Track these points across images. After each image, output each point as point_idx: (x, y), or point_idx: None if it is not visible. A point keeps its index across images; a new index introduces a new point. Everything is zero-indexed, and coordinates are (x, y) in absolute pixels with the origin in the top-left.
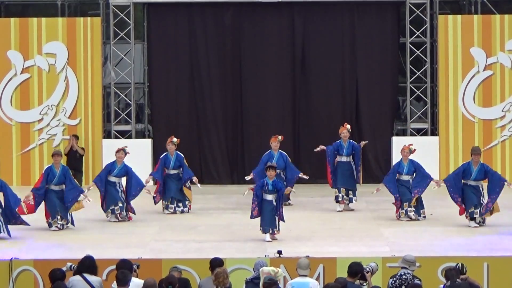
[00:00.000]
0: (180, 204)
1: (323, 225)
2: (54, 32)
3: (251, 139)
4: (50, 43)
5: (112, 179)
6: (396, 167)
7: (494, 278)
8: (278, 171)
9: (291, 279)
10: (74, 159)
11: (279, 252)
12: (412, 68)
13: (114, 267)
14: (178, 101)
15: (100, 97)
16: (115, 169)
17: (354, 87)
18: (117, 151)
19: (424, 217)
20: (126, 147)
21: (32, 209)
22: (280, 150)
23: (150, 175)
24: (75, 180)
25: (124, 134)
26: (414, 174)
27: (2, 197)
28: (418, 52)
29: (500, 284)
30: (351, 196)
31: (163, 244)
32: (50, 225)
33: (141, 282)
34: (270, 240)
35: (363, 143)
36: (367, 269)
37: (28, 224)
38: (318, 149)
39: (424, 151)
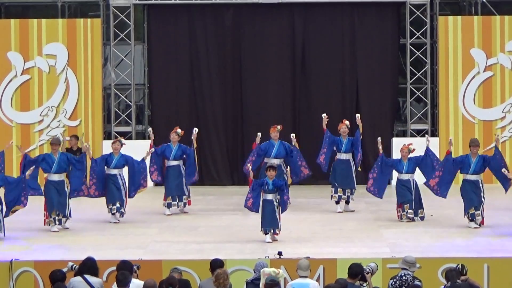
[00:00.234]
0: (181, 198)
1: (323, 226)
2: (54, 33)
3: (251, 140)
4: (50, 44)
5: (112, 171)
6: (395, 163)
7: (495, 279)
8: (279, 161)
9: (291, 280)
10: None
11: (279, 253)
12: (412, 69)
13: (114, 268)
14: (178, 102)
15: (100, 98)
16: (112, 160)
17: (354, 88)
18: (113, 142)
19: (422, 217)
20: (122, 137)
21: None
22: (280, 140)
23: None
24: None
25: (124, 135)
26: (417, 168)
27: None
28: (418, 53)
29: (500, 285)
30: (348, 194)
31: (163, 245)
32: (54, 221)
33: (141, 283)
34: (271, 241)
35: (359, 120)
36: (367, 270)
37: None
38: (325, 119)
39: (423, 151)
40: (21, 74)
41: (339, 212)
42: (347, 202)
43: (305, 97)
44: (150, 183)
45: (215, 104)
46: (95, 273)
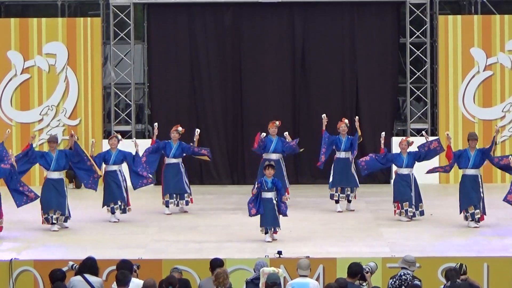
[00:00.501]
0: (183, 196)
1: (323, 226)
2: (54, 33)
3: (251, 139)
4: (50, 43)
5: (112, 167)
6: (395, 157)
7: (494, 278)
8: (277, 156)
9: (291, 280)
10: None
11: (279, 253)
12: (412, 68)
13: (114, 267)
14: (178, 101)
15: (100, 97)
16: (111, 156)
17: (354, 87)
18: (110, 139)
19: (422, 212)
20: (119, 133)
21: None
22: (278, 136)
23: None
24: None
25: (124, 135)
26: (415, 163)
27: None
28: (418, 52)
29: (500, 285)
30: (348, 193)
31: (163, 244)
32: (47, 220)
33: (141, 282)
34: (270, 240)
35: (357, 123)
36: (367, 269)
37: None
38: (324, 120)
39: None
40: (21, 73)
41: (339, 212)
42: (349, 201)
43: (305, 97)
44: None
45: (215, 103)
46: (95, 273)
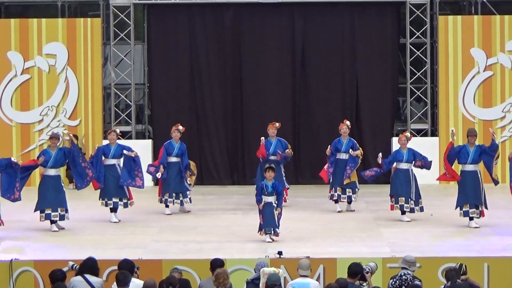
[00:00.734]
0: (180, 195)
1: (323, 226)
2: (54, 33)
3: (251, 140)
4: (50, 44)
5: (111, 161)
6: (394, 155)
7: (494, 278)
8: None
9: (292, 280)
10: None
11: (280, 253)
12: (412, 68)
13: (114, 267)
14: (178, 101)
15: (100, 98)
16: (110, 150)
17: (354, 88)
18: (108, 133)
19: (421, 208)
20: (117, 129)
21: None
22: (277, 137)
23: (161, 164)
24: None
25: (124, 135)
26: (414, 162)
27: None
28: (418, 52)
29: (500, 285)
30: (350, 194)
31: (163, 244)
32: (46, 216)
33: (141, 283)
34: (271, 240)
35: (354, 153)
36: (367, 270)
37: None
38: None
39: (424, 152)
40: (21, 74)
41: (339, 211)
42: (349, 202)
43: (305, 97)
44: (148, 183)
45: (215, 103)
46: (96, 273)
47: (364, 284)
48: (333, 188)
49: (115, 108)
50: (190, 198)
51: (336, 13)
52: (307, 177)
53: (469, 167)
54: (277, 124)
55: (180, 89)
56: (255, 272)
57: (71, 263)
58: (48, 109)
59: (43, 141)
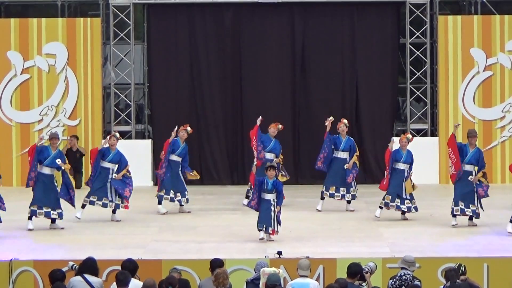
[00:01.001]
0: (178, 194)
1: (323, 226)
2: (54, 33)
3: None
4: (50, 43)
5: (107, 164)
6: (394, 153)
7: (494, 278)
8: (271, 156)
9: (291, 280)
10: (74, 159)
11: (279, 253)
12: (412, 68)
13: (114, 267)
14: (178, 101)
15: (100, 97)
16: (109, 154)
17: (354, 88)
18: (109, 138)
19: (415, 207)
20: (119, 133)
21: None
22: (275, 138)
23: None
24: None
25: (124, 135)
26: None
27: None
28: (418, 52)
29: (500, 285)
30: (343, 193)
31: (163, 244)
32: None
33: (140, 283)
34: (263, 238)
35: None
36: (366, 270)
37: None
38: (328, 122)
39: (424, 151)
40: (21, 74)
41: (318, 210)
42: (348, 202)
43: (305, 97)
44: (149, 183)
45: (215, 103)
46: (95, 273)
47: (364, 284)
48: (325, 186)
49: (114, 108)
50: (187, 198)
51: (336, 13)
52: (307, 177)
53: (465, 167)
54: (280, 126)
55: (180, 89)
56: (255, 272)
57: (70, 263)
58: (48, 109)
59: (43, 141)
